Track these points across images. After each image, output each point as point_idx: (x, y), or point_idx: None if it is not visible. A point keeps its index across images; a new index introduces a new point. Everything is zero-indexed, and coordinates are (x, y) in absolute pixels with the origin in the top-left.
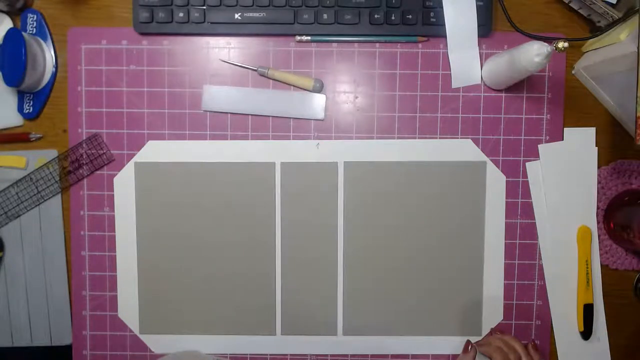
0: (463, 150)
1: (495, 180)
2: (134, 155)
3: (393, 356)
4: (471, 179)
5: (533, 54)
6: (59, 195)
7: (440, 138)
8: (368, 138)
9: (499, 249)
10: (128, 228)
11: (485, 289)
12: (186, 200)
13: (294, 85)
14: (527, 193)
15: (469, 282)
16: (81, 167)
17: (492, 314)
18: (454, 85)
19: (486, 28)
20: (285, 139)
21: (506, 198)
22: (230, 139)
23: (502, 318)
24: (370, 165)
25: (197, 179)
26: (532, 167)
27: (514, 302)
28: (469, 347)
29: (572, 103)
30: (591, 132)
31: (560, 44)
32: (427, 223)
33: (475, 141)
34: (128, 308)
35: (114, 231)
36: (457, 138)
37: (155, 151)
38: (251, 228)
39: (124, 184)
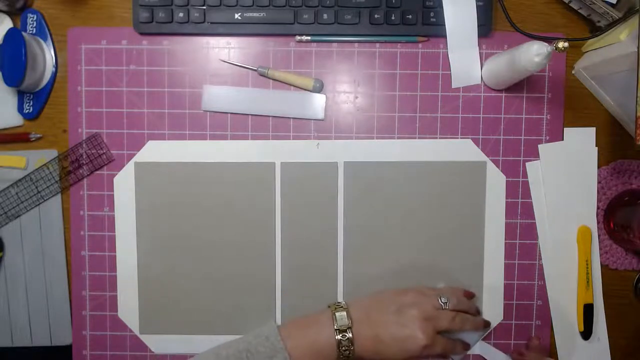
0: (463, 150)
1: (495, 180)
2: (134, 155)
3: None
4: (471, 179)
5: (533, 54)
6: (59, 195)
7: (440, 138)
8: (368, 138)
9: (499, 249)
10: (128, 228)
11: (485, 289)
12: (186, 200)
13: (294, 85)
14: (527, 193)
15: (469, 283)
16: (81, 167)
17: (492, 314)
18: (454, 85)
19: (486, 28)
20: (285, 139)
21: (506, 198)
22: (230, 139)
23: (502, 318)
24: (370, 165)
25: (197, 179)
26: (532, 167)
27: (514, 302)
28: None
29: (572, 103)
30: (591, 132)
31: (560, 44)
32: (427, 223)
33: (475, 141)
34: (128, 308)
35: (114, 231)
36: (457, 138)
37: (155, 151)
38: (251, 228)
39: (124, 184)
